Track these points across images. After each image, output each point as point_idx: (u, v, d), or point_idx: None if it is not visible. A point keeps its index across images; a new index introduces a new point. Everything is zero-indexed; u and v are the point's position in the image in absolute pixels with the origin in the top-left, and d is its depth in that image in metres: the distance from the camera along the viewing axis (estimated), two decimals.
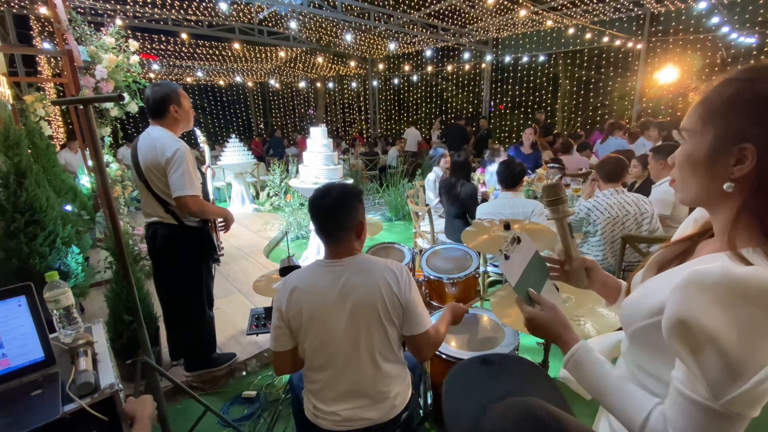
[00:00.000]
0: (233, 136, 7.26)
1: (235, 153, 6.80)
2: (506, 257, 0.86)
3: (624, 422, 0.67)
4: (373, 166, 9.17)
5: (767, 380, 0.51)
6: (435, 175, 4.36)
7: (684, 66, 8.68)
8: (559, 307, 0.84)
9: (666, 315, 0.57)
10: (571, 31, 8.92)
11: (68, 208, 3.45)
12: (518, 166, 2.92)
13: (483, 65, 11.56)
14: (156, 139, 1.95)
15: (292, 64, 11.98)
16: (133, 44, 3.40)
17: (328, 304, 1.22)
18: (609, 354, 0.95)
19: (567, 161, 4.96)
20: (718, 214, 0.65)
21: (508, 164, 2.95)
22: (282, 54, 10.38)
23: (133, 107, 3.36)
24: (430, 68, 13.16)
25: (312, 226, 4.32)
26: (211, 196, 2.53)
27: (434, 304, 2.39)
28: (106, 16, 6.64)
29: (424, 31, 8.88)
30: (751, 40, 7.81)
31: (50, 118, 4.31)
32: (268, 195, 6.68)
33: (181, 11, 7.11)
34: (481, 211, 2.98)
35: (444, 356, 1.68)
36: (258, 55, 10.28)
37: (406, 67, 13.42)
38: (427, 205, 4.22)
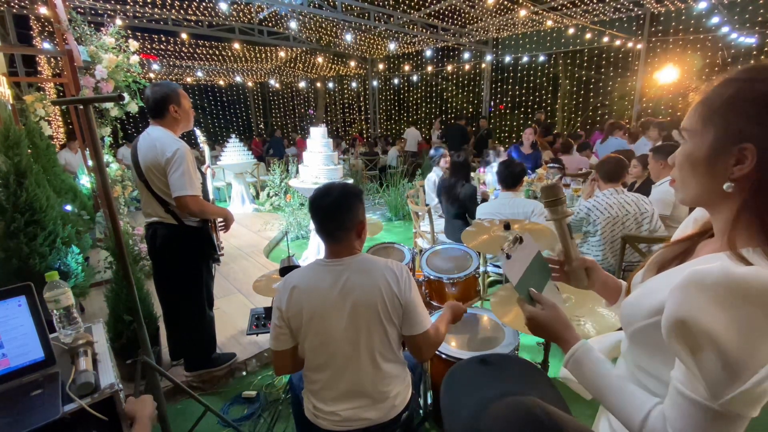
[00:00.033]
0: (233, 136, 7.26)
1: (235, 153, 6.80)
2: (508, 256, 0.86)
3: (623, 421, 0.67)
4: (373, 166, 9.17)
5: (766, 380, 0.51)
6: (435, 175, 4.36)
7: (684, 66, 8.68)
8: (560, 307, 0.84)
9: (665, 315, 0.57)
10: (571, 31, 8.92)
11: (68, 208, 3.45)
12: (518, 166, 2.92)
13: (483, 65, 11.57)
14: (156, 139, 1.95)
15: (292, 64, 11.98)
16: (133, 44, 3.40)
17: (328, 303, 1.23)
18: (609, 354, 0.95)
19: (567, 161, 4.96)
20: (718, 214, 0.65)
21: (508, 164, 2.95)
22: (282, 54, 10.38)
23: (133, 107, 3.36)
24: (430, 68, 13.16)
25: (312, 226, 4.33)
26: (211, 196, 2.54)
27: (434, 304, 2.39)
28: (106, 16, 6.64)
29: (424, 31, 8.88)
30: (751, 40, 7.81)
31: (50, 118, 4.32)
32: (268, 195, 6.68)
33: (181, 11, 7.11)
34: (481, 211, 2.98)
35: (444, 356, 1.68)
36: (258, 55, 10.28)
37: (406, 67, 13.42)
38: (427, 205, 4.22)
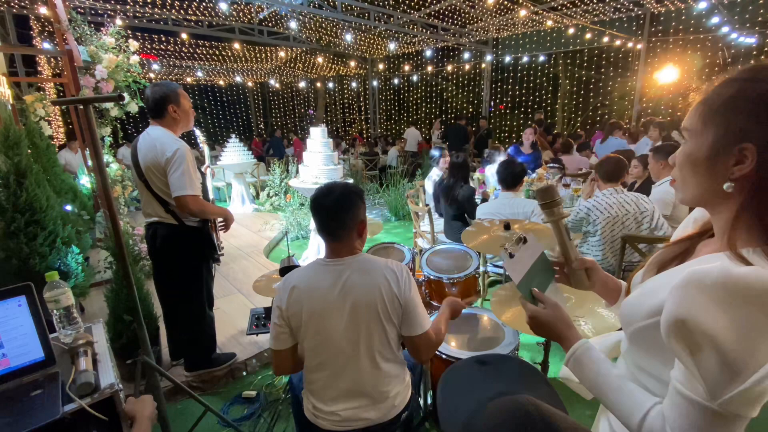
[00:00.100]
0: (233, 136, 7.26)
1: (235, 153, 6.80)
2: (510, 255, 0.86)
3: (623, 420, 0.67)
4: (373, 166, 9.17)
5: (765, 380, 0.51)
6: (435, 175, 4.36)
7: (684, 66, 8.69)
8: (562, 306, 0.84)
9: (665, 314, 0.57)
10: (571, 31, 8.92)
11: (68, 208, 3.45)
12: (518, 166, 2.92)
13: (483, 65, 11.56)
14: (156, 138, 1.96)
15: (292, 64, 11.99)
16: (133, 44, 3.40)
17: (328, 303, 1.23)
18: (609, 354, 0.95)
19: (567, 161, 4.96)
20: (718, 214, 0.65)
21: (508, 164, 2.95)
22: (282, 54, 10.38)
23: (133, 107, 3.36)
24: (430, 68, 13.16)
25: (312, 226, 4.34)
26: (211, 196, 2.54)
27: (434, 304, 2.39)
28: (106, 16, 6.65)
29: (424, 31, 8.88)
30: (751, 40, 7.82)
31: (50, 118, 4.32)
32: (268, 195, 6.69)
33: (181, 11, 7.11)
34: (481, 211, 2.98)
35: (444, 356, 1.68)
36: (258, 55, 10.29)
37: (406, 67, 13.42)
38: (427, 205, 4.22)
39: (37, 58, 7.67)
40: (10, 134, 2.25)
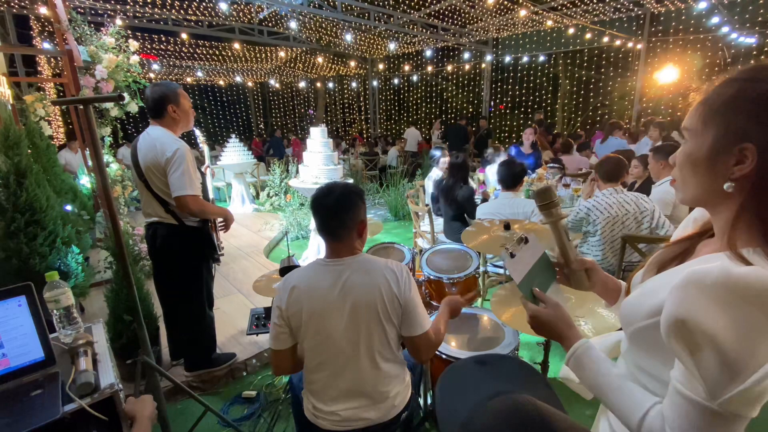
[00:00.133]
0: (233, 136, 7.26)
1: (235, 153, 6.80)
2: (512, 255, 0.86)
3: (622, 420, 0.67)
4: (373, 166, 9.17)
5: (765, 380, 0.51)
6: (435, 175, 4.36)
7: (684, 66, 8.69)
8: (563, 306, 0.85)
9: (664, 314, 0.57)
10: (571, 31, 8.92)
11: (68, 208, 3.45)
12: (518, 166, 2.92)
13: (483, 65, 11.57)
14: (156, 138, 1.95)
15: (292, 64, 11.99)
16: (133, 44, 3.40)
17: (327, 303, 1.23)
18: (609, 354, 0.95)
19: (567, 161, 4.96)
20: (718, 214, 0.65)
21: (508, 164, 2.95)
22: (282, 54, 10.39)
23: (133, 107, 3.36)
24: (430, 68, 13.17)
25: (312, 226, 4.34)
26: (211, 196, 2.54)
27: (434, 304, 2.39)
28: (106, 16, 6.65)
29: (424, 31, 8.88)
30: (751, 40, 7.82)
31: (50, 118, 4.32)
32: (268, 195, 6.69)
33: (181, 11, 7.12)
34: (481, 211, 2.98)
35: (444, 356, 1.68)
36: (258, 55, 10.29)
37: (406, 67, 13.43)
38: (427, 205, 4.22)
39: (37, 58, 7.68)
40: (10, 134, 2.25)
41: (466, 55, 10.87)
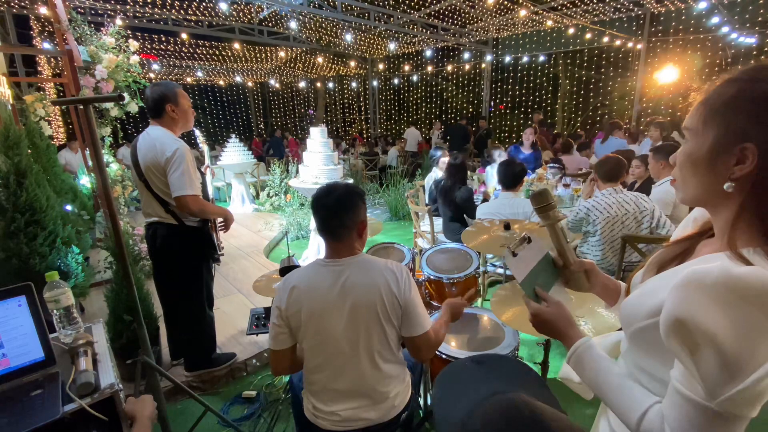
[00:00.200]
0: (233, 136, 7.26)
1: (235, 153, 6.80)
2: (514, 254, 0.87)
3: (622, 418, 0.67)
4: (373, 166, 9.17)
5: (764, 379, 0.51)
6: (435, 175, 4.36)
7: (684, 66, 8.69)
8: (565, 305, 0.85)
9: (664, 314, 0.57)
10: (571, 31, 8.92)
11: (68, 208, 3.45)
12: (518, 166, 2.92)
13: (483, 65, 11.57)
14: (155, 138, 1.95)
15: (292, 64, 11.99)
16: (133, 44, 3.40)
17: (327, 303, 1.23)
18: (609, 354, 0.95)
19: (567, 161, 4.96)
20: (718, 213, 0.65)
21: (508, 164, 2.95)
22: (282, 54, 10.39)
23: (133, 107, 3.36)
24: (430, 68, 13.17)
25: (312, 226, 4.34)
26: (211, 196, 2.54)
27: (434, 304, 2.39)
28: (106, 16, 6.65)
29: (424, 31, 8.88)
30: (751, 40, 7.82)
31: (50, 118, 4.31)
32: (268, 195, 6.69)
33: (181, 11, 7.12)
34: (481, 211, 2.98)
35: (444, 356, 1.68)
36: (258, 55, 10.29)
37: (406, 67, 13.43)
38: (427, 205, 4.22)
39: (37, 58, 7.68)
40: (10, 134, 2.25)
41: (466, 55, 10.87)
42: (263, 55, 10.34)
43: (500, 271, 2.97)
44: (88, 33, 3.23)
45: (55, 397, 1.03)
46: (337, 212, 1.25)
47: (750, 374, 0.51)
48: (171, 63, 10.23)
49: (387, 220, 6.16)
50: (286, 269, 1.85)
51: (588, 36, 9.19)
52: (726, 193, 0.60)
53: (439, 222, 3.68)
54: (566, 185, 3.93)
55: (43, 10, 4.70)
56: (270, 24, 8.60)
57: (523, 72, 11.76)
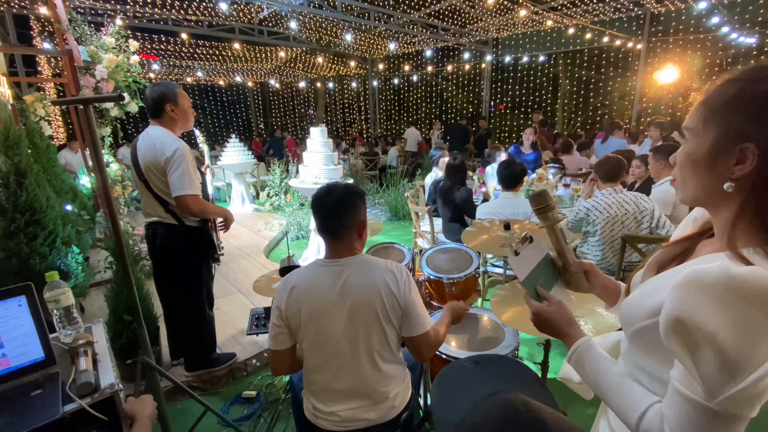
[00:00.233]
0: (233, 136, 7.26)
1: (235, 153, 6.80)
2: (516, 253, 0.87)
3: (622, 417, 0.67)
4: (373, 166, 9.17)
5: (763, 379, 0.51)
6: (435, 175, 4.36)
7: (684, 66, 8.69)
8: (566, 304, 0.85)
9: (664, 313, 0.57)
10: (571, 31, 8.92)
11: (68, 208, 3.45)
12: (518, 166, 2.91)
13: (483, 65, 11.57)
14: (155, 138, 1.95)
15: (292, 64, 11.99)
16: (133, 44, 3.40)
17: (327, 303, 1.23)
18: (609, 354, 0.95)
19: (567, 161, 4.96)
20: (718, 213, 0.65)
21: (508, 164, 2.95)
22: (282, 54, 10.39)
23: (133, 107, 3.36)
24: (430, 68, 13.17)
25: (312, 226, 4.34)
26: (211, 196, 2.54)
27: (434, 304, 2.39)
28: (106, 16, 6.65)
29: (424, 31, 8.88)
30: (751, 40, 7.82)
31: (50, 118, 4.32)
32: (268, 195, 6.69)
33: (181, 11, 7.12)
34: (481, 211, 2.98)
35: (444, 356, 1.68)
36: (258, 55, 10.29)
37: (406, 67, 13.42)
38: (427, 205, 4.22)
39: (37, 58, 7.67)
40: (10, 134, 2.25)
41: (466, 55, 10.87)
42: (263, 55, 10.34)
43: (500, 271, 2.97)
44: (88, 33, 3.23)
45: (55, 397, 1.03)
46: (337, 212, 1.25)
47: (750, 374, 0.51)
48: (171, 63, 10.23)
49: (387, 220, 6.16)
50: (286, 269, 1.85)
51: (588, 36, 9.19)
52: (726, 193, 0.60)
53: (439, 222, 3.68)
54: (566, 185, 3.93)
55: (43, 10, 4.70)
56: (270, 24, 8.60)
57: (523, 72, 11.76)
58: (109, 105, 3.30)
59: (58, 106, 5.91)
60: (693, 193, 0.66)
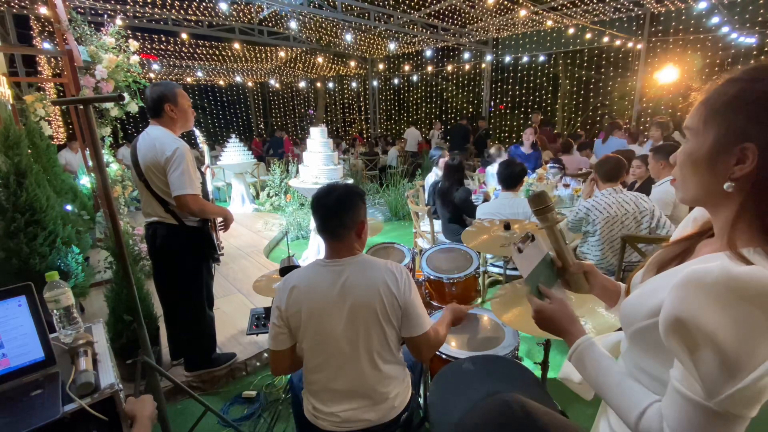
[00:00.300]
0: (233, 136, 7.26)
1: (235, 153, 6.81)
2: (519, 250, 0.88)
3: (621, 416, 0.68)
4: (373, 166, 9.17)
5: (763, 379, 0.51)
6: (435, 175, 4.36)
7: (684, 66, 8.68)
8: (568, 302, 0.85)
9: (663, 313, 0.57)
10: (571, 31, 8.92)
11: (68, 208, 3.45)
12: (518, 166, 2.92)
13: (483, 65, 11.57)
14: (155, 138, 1.95)
15: (292, 64, 11.99)
16: (133, 44, 3.40)
17: (327, 303, 1.23)
18: (609, 354, 0.95)
19: (567, 161, 4.96)
20: (718, 213, 0.65)
21: (508, 164, 2.95)
22: (282, 54, 10.38)
23: (133, 107, 3.36)
24: (430, 68, 13.16)
25: (312, 226, 4.34)
26: (211, 196, 2.54)
27: (434, 304, 2.39)
28: (106, 16, 6.64)
29: (424, 31, 8.88)
30: (751, 40, 7.82)
31: (50, 118, 4.31)
32: (268, 195, 6.69)
33: (181, 11, 7.11)
34: (481, 211, 2.98)
35: (444, 356, 1.68)
36: (258, 55, 10.29)
37: (406, 67, 13.42)
38: (427, 205, 4.22)
39: (37, 58, 7.67)
40: (10, 134, 2.25)
41: (466, 55, 10.87)
42: (263, 55, 10.34)
43: (500, 271, 2.97)
44: (88, 33, 3.23)
45: (55, 397, 1.03)
46: (336, 212, 1.25)
47: (749, 374, 0.51)
48: (171, 63, 10.23)
49: (387, 220, 6.16)
50: (286, 269, 1.85)
51: (588, 36, 9.19)
52: (726, 192, 0.60)
53: (439, 222, 3.68)
54: (566, 185, 3.93)
55: (43, 10, 4.70)
56: (270, 24, 8.60)
57: (523, 72, 11.75)
58: (109, 105, 3.30)
59: (58, 106, 5.91)
60: (693, 193, 0.66)
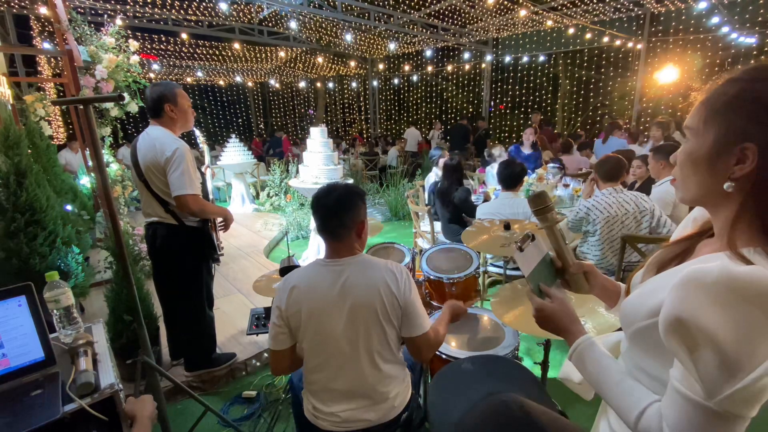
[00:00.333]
0: (233, 136, 7.26)
1: (235, 153, 6.81)
2: (520, 249, 0.88)
3: (621, 416, 0.68)
4: (373, 166, 9.17)
5: (762, 378, 0.51)
6: (435, 175, 4.36)
7: (684, 66, 8.68)
8: (568, 302, 0.85)
9: (663, 313, 0.57)
10: (571, 31, 8.92)
11: (68, 208, 3.45)
12: (518, 166, 2.91)
13: (483, 65, 11.57)
14: (155, 138, 1.95)
15: (292, 64, 11.99)
16: (133, 44, 3.40)
17: (327, 302, 1.23)
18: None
19: (567, 161, 4.96)
20: (718, 213, 0.65)
21: (508, 164, 2.95)
22: (282, 54, 10.39)
23: (133, 107, 3.36)
24: (430, 68, 13.16)
25: (312, 226, 4.34)
26: (211, 196, 2.54)
27: (434, 304, 2.39)
28: (106, 16, 6.64)
29: (424, 31, 8.88)
30: (751, 40, 7.82)
31: (50, 118, 4.31)
32: (268, 195, 6.69)
33: (181, 11, 7.11)
34: (481, 211, 2.98)
35: (444, 356, 1.68)
36: (258, 55, 10.29)
37: (406, 67, 13.42)
38: (427, 205, 4.21)
39: (37, 58, 7.67)
40: (10, 134, 2.25)
41: (466, 55, 10.86)
42: (263, 55, 10.34)
43: (500, 271, 2.97)
44: (88, 33, 3.23)
45: (55, 397, 1.03)
46: (336, 212, 1.25)
47: (749, 374, 0.51)
48: (171, 63, 10.23)
49: (387, 221, 6.16)
50: (286, 269, 1.85)
51: (588, 36, 9.19)
52: (726, 192, 0.60)
53: (439, 222, 3.68)
54: (566, 185, 3.93)
55: (43, 10, 4.70)
56: (270, 24, 8.60)
57: (523, 72, 11.75)
58: (109, 105, 3.30)
59: (58, 106, 5.91)
60: (693, 193, 0.66)
